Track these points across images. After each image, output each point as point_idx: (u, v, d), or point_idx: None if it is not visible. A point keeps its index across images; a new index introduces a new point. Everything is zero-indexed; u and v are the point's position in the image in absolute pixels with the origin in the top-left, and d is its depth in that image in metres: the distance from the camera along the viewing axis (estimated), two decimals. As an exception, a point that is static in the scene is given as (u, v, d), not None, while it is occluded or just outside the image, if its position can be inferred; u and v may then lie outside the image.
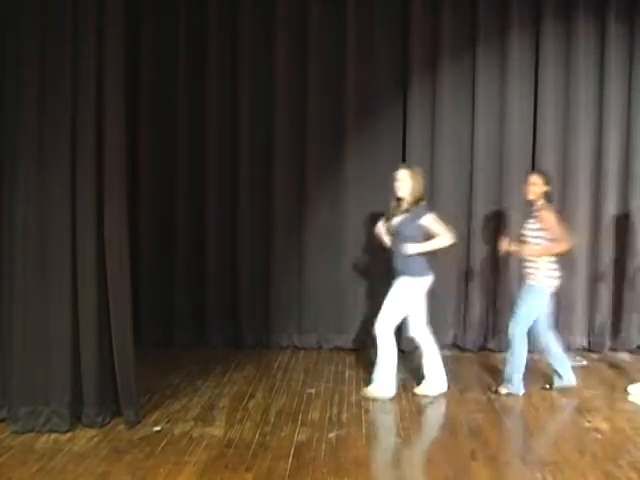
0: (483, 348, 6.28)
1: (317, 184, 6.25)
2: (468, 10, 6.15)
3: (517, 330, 4.91)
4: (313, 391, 5.02)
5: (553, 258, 4.89)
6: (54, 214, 4.02)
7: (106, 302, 4.14)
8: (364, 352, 6.11)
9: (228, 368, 5.56)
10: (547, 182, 4.94)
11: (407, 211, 4.85)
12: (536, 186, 4.90)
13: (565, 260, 6.14)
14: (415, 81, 6.17)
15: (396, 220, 4.89)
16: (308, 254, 6.27)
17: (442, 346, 6.22)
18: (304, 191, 6.25)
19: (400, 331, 6.24)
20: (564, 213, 6.15)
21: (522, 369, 4.92)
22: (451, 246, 4.94)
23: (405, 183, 4.87)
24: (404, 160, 6.23)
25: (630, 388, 5.04)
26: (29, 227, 4.01)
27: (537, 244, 4.86)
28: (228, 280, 6.25)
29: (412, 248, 4.77)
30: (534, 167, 6.18)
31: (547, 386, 5.08)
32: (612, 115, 6.14)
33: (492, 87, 6.19)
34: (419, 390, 4.95)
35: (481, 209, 6.22)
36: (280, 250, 6.23)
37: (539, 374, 5.26)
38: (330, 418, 4.43)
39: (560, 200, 6.19)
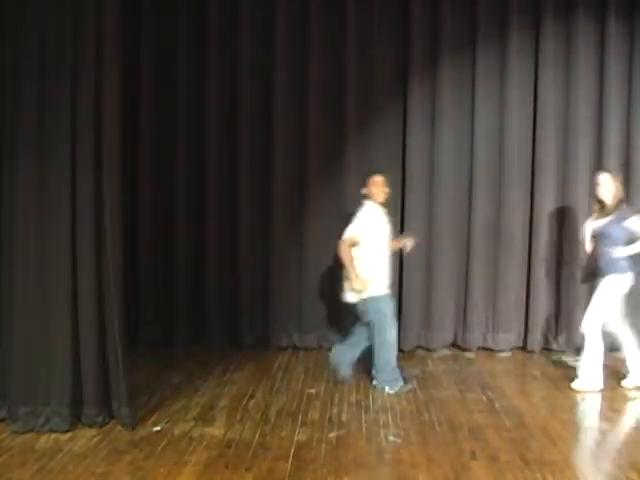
0: (484, 348, 6.28)
1: (317, 183, 6.25)
2: (468, 10, 6.15)
3: None
4: (313, 391, 5.02)
5: None
6: (54, 215, 4.02)
7: (106, 302, 4.14)
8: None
9: (228, 368, 5.56)
10: None
11: (612, 213, 5.01)
12: None
13: (566, 260, 6.20)
14: (415, 80, 6.17)
15: (601, 222, 5.06)
16: (308, 254, 6.27)
17: (442, 346, 6.28)
18: (304, 191, 6.25)
19: (399, 330, 6.30)
20: (564, 213, 6.19)
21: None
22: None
23: (606, 187, 5.05)
24: (404, 159, 6.25)
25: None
26: (29, 228, 4.01)
27: None
28: (228, 280, 6.25)
29: (620, 251, 4.97)
30: (534, 167, 6.19)
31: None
32: (612, 115, 6.13)
33: (492, 87, 6.19)
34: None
35: (481, 208, 6.22)
36: (280, 250, 6.22)
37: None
38: (330, 418, 4.43)
39: (560, 200, 6.22)
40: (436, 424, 4.31)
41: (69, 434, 4.02)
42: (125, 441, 3.97)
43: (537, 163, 6.17)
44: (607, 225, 5.05)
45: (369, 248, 4.95)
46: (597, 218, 5.15)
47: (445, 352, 6.22)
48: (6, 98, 4.09)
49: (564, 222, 6.21)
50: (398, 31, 6.21)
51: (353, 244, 4.92)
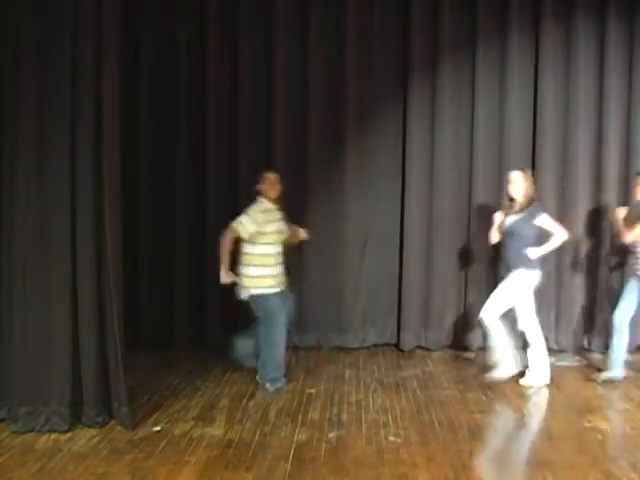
0: (483, 348, 6.28)
1: (317, 183, 6.25)
2: (468, 10, 6.15)
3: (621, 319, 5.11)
4: (313, 391, 5.02)
5: None
6: (53, 215, 4.02)
7: (106, 302, 4.14)
8: (365, 351, 6.14)
9: (228, 368, 5.55)
10: None
11: (521, 212, 5.07)
12: None
13: (564, 258, 6.20)
14: (415, 80, 6.18)
15: (510, 220, 5.13)
16: (308, 253, 6.26)
17: (441, 346, 6.29)
18: (304, 190, 6.25)
19: (400, 329, 6.30)
20: (564, 211, 6.18)
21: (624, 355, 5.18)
22: (567, 242, 5.15)
23: (518, 185, 5.11)
24: (404, 159, 6.25)
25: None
26: (28, 228, 4.01)
27: None
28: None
29: (534, 252, 5.05)
30: (534, 167, 6.20)
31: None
32: (612, 114, 6.14)
33: (492, 87, 6.19)
34: (524, 381, 5.12)
35: (481, 208, 6.21)
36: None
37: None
38: (330, 418, 4.44)
39: (560, 199, 6.22)
40: (436, 424, 4.31)
41: (69, 434, 4.02)
42: (125, 441, 3.97)
43: (537, 163, 6.18)
44: (516, 223, 5.09)
45: (258, 245, 4.95)
46: (507, 215, 5.18)
47: (445, 352, 6.22)
48: (6, 98, 4.09)
49: (565, 221, 6.19)
50: (398, 31, 6.22)
51: (236, 237, 4.91)
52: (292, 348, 6.20)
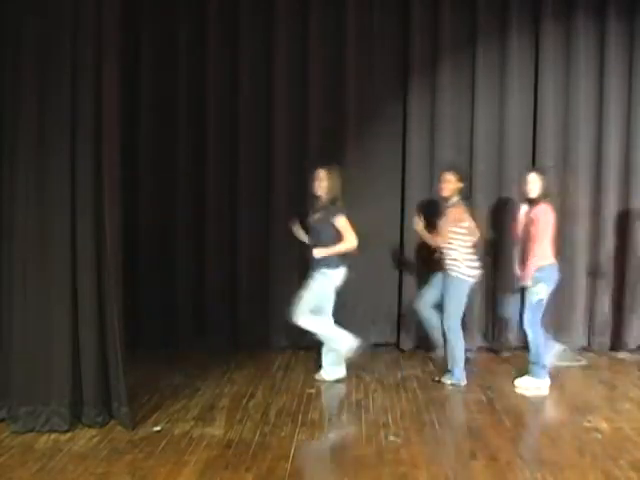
0: (482, 348, 6.28)
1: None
2: (468, 10, 6.15)
3: (451, 324, 5.14)
4: (313, 391, 5.02)
5: (471, 249, 5.13)
6: (53, 215, 4.02)
7: (106, 302, 4.14)
8: (364, 351, 6.13)
9: (228, 368, 5.56)
10: (461, 179, 5.16)
11: (323, 209, 5.11)
12: (450, 183, 5.12)
13: (565, 258, 6.20)
14: (415, 81, 6.18)
15: (314, 218, 5.18)
16: (308, 254, 6.25)
17: (442, 346, 6.26)
18: (304, 190, 6.23)
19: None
20: (563, 211, 6.19)
21: (462, 360, 5.20)
22: (355, 250, 5.12)
23: (322, 182, 5.13)
24: (404, 160, 6.26)
25: (517, 381, 5.16)
26: (28, 228, 4.01)
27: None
28: (228, 280, 6.25)
29: (319, 252, 5.06)
30: (534, 166, 6.20)
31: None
32: (612, 114, 6.15)
33: (492, 87, 6.20)
34: (318, 376, 5.26)
35: (480, 208, 6.22)
36: (280, 249, 6.22)
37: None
38: (330, 418, 4.43)
39: (561, 199, 6.23)
40: (436, 424, 4.31)
41: (69, 434, 4.02)
42: (125, 441, 3.97)
43: (537, 164, 6.17)
44: (317, 221, 5.13)
45: None
46: (313, 213, 5.22)
47: (442, 352, 6.19)
48: (6, 98, 4.09)
49: (564, 221, 6.21)
50: (398, 31, 6.22)
51: None
52: (292, 348, 6.26)
